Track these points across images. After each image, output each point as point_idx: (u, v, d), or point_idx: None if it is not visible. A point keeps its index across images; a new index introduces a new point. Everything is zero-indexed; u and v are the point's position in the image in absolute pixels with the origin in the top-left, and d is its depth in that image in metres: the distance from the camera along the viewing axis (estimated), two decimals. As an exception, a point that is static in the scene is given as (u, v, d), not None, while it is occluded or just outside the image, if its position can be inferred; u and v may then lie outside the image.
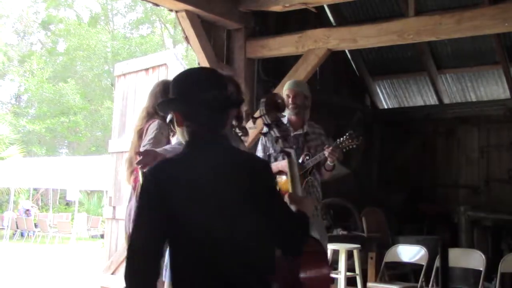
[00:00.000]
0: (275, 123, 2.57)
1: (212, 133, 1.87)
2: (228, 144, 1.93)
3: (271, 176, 2.02)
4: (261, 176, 1.88)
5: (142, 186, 1.89)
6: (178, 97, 1.89)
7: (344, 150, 4.03)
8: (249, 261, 1.78)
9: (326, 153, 3.96)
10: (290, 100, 4.22)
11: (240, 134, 3.01)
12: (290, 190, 2.53)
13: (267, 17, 6.00)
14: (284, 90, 4.30)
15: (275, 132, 2.56)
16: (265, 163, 2.20)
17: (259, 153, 4.23)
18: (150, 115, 3.59)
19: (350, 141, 3.97)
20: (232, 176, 1.83)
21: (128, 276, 1.76)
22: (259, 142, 4.29)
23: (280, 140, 2.54)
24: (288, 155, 2.50)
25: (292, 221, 1.89)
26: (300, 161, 4.10)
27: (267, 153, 4.23)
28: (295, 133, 4.21)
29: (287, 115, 4.27)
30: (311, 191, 4.18)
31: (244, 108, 3.06)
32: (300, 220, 1.93)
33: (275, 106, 2.64)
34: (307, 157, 4.11)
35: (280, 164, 4.00)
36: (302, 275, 2.18)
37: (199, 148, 1.86)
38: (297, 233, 1.90)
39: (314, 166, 4.11)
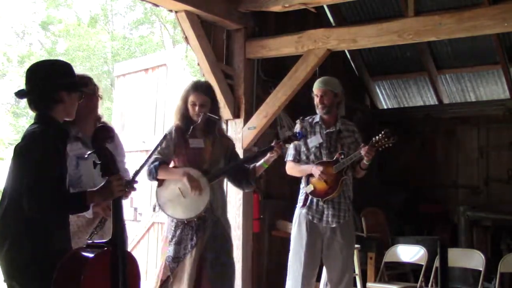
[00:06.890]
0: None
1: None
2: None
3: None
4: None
5: None
6: None
7: (379, 149, 3.92)
8: None
9: (363, 152, 3.87)
10: (318, 100, 4.12)
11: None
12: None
13: (267, 17, 6.00)
14: (313, 89, 4.19)
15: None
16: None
17: (291, 150, 4.22)
18: None
19: (386, 139, 3.87)
20: None
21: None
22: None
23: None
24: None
25: None
26: (334, 159, 4.05)
27: (299, 151, 4.20)
28: (327, 130, 4.14)
29: (319, 114, 4.19)
30: (345, 190, 4.10)
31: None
32: None
33: None
34: (342, 156, 4.02)
35: (309, 168, 4.07)
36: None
37: None
38: None
39: (348, 165, 4.03)
